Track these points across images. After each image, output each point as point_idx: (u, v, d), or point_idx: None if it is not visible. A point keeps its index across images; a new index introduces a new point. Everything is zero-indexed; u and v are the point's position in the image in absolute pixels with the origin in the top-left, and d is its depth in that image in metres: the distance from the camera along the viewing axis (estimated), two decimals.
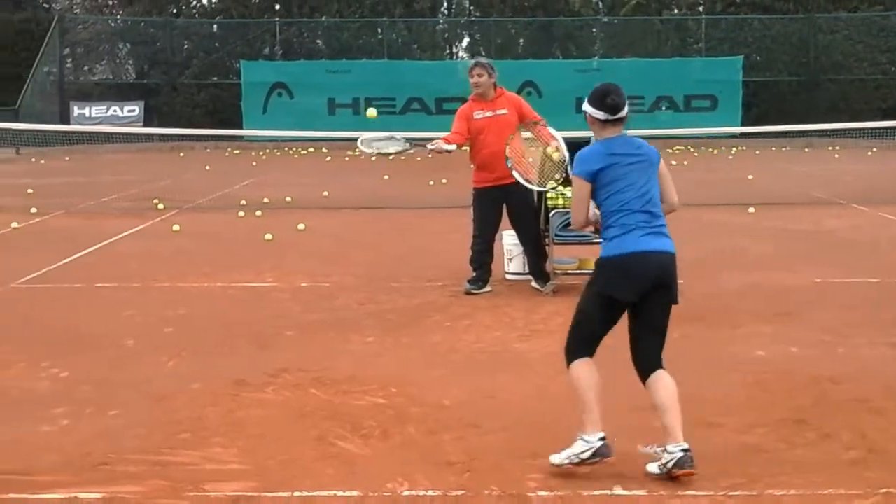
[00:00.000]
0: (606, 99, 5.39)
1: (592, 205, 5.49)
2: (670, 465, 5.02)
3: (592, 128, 5.51)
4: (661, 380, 5.29)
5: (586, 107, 5.47)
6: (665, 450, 5.09)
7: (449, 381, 6.89)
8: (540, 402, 6.45)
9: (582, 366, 5.36)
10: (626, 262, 5.28)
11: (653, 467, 5.12)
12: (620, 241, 5.30)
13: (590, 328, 5.44)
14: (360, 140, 9.93)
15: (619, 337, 8.09)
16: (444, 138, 9.89)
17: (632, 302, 5.32)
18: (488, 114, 9.82)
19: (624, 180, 5.34)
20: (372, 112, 13.89)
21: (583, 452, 5.14)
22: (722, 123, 34.52)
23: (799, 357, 7.48)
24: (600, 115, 5.40)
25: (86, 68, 43.18)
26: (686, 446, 5.05)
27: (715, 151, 32.78)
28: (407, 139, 9.77)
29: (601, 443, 5.16)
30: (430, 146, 9.91)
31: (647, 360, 5.38)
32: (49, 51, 38.95)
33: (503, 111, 9.85)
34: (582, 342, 5.44)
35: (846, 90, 39.08)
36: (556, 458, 5.18)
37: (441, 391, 6.63)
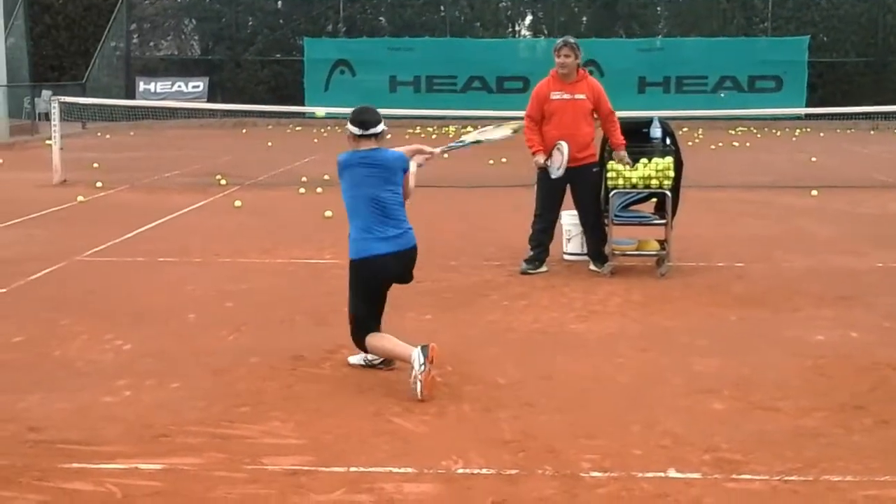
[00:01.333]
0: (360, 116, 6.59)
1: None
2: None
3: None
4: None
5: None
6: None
7: (505, 360, 6.91)
8: (595, 383, 6.45)
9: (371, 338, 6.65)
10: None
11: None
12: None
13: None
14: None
15: (676, 319, 8.09)
16: (533, 151, 9.76)
17: None
18: (566, 96, 9.74)
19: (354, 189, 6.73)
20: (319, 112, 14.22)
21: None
22: (786, 104, 34.03)
23: (859, 342, 7.40)
24: (356, 130, 6.65)
25: (151, 44, 43.58)
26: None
27: (778, 133, 32.37)
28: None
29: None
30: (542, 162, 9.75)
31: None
32: (116, 26, 39.40)
33: (581, 96, 9.76)
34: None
35: None
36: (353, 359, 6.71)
37: (497, 370, 6.66)
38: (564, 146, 9.40)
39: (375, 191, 6.49)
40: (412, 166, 6.80)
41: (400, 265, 6.62)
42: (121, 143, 28.43)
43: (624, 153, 9.65)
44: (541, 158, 9.65)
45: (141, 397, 6.17)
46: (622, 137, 9.73)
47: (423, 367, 6.02)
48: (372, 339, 6.42)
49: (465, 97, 36.84)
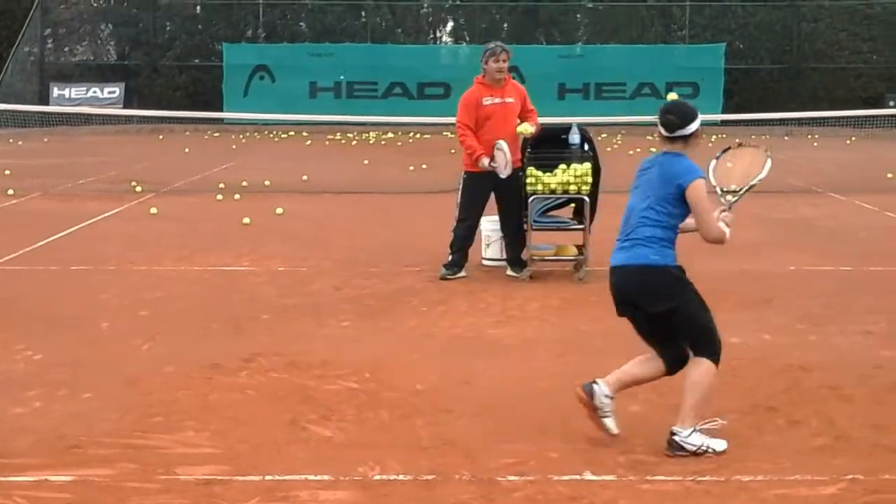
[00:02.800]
0: (662, 116, 5.64)
1: None
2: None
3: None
4: (688, 367, 5.48)
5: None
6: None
7: (423, 367, 6.90)
8: (513, 388, 6.48)
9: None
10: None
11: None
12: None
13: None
14: None
15: (594, 323, 8.13)
16: (476, 155, 9.69)
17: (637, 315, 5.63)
18: (497, 100, 9.77)
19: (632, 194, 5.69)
20: None
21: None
22: (703, 111, 34.17)
23: (772, 344, 7.53)
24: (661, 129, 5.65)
25: (66, 49, 42.83)
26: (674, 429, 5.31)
27: (728, 145, 32.81)
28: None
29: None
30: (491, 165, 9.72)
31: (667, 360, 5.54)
32: (30, 31, 38.65)
33: (510, 99, 9.83)
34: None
35: (827, 79, 39.14)
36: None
37: (415, 376, 6.65)
38: (504, 144, 9.49)
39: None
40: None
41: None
42: (34, 149, 27.89)
43: (528, 125, 9.74)
44: (486, 160, 9.66)
45: (52, 408, 6.05)
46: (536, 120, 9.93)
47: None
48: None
49: (386, 103, 36.83)
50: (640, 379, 5.59)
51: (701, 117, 5.67)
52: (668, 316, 5.45)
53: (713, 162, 5.96)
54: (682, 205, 5.51)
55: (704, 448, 5.26)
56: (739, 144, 6.19)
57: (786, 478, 4.96)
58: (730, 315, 8.45)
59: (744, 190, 5.90)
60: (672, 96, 12.37)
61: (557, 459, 5.21)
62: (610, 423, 5.43)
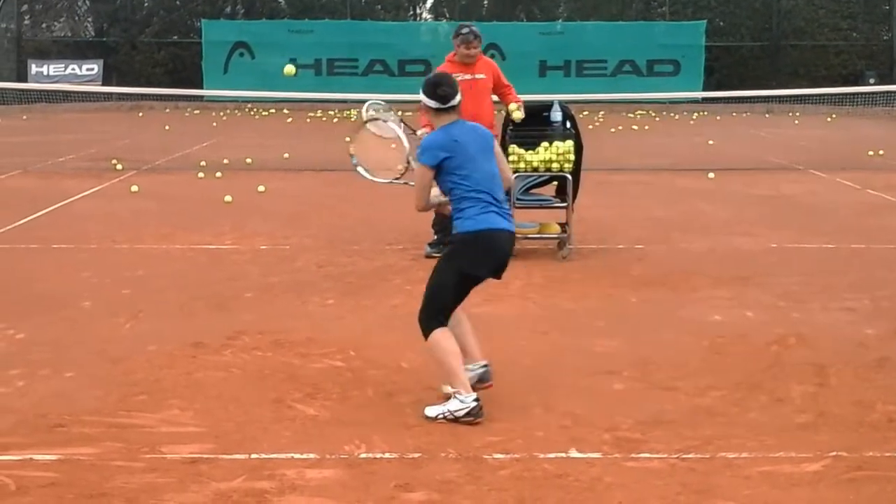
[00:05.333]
0: (437, 90, 5.71)
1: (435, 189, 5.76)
2: (474, 380, 5.58)
3: (427, 116, 5.94)
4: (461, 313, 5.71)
5: (421, 95, 5.78)
6: (467, 368, 5.55)
7: (408, 345, 6.87)
8: (497, 366, 6.44)
9: (440, 334, 5.57)
10: (491, 238, 5.57)
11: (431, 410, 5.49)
12: (485, 218, 5.55)
13: (444, 300, 5.65)
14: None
15: (577, 301, 8.16)
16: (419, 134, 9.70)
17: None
18: (467, 77, 9.72)
19: (471, 164, 5.59)
20: (290, 69, 13.78)
21: (458, 410, 5.39)
22: (684, 88, 34.62)
23: (754, 321, 7.55)
24: (432, 104, 5.71)
25: (44, 25, 42.49)
26: (486, 363, 5.64)
27: (676, 116, 32.92)
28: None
29: (475, 403, 5.41)
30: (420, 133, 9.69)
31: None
32: (6, 7, 38.38)
33: (481, 76, 9.81)
34: (438, 313, 5.63)
35: (807, 56, 39.24)
36: (430, 411, 5.46)
37: (399, 354, 6.65)
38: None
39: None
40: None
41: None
42: (12, 127, 27.69)
43: (517, 106, 9.75)
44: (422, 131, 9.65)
45: (35, 387, 6.02)
46: (515, 94, 9.91)
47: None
48: (438, 337, 5.58)
49: (367, 80, 36.70)
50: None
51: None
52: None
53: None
54: None
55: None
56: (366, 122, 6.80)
57: (770, 455, 4.99)
58: (712, 292, 8.49)
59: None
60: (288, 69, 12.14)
61: (543, 437, 5.22)
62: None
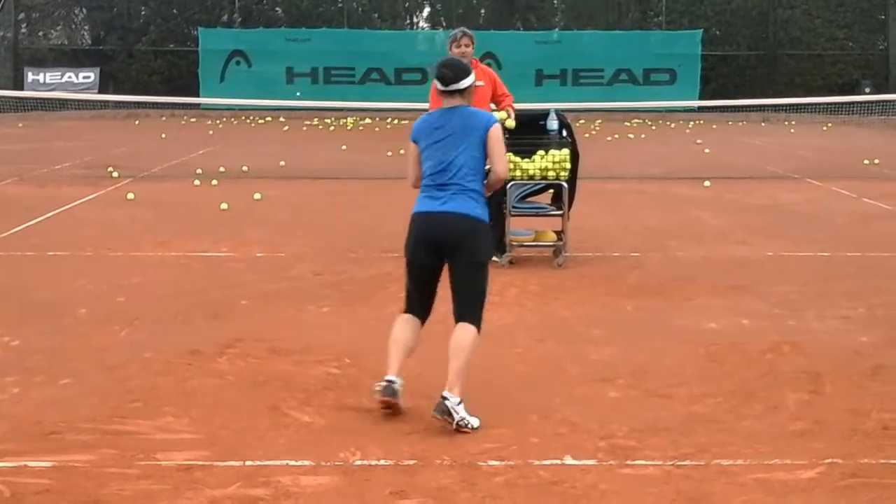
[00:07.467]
0: (440, 70, 5.83)
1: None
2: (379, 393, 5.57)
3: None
4: (456, 331, 5.61)
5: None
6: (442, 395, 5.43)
7: None
8: (493, 373, 6.47)
9: (397, 319, 5.81)
10: (413, 222, 5.82)
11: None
12: (416, 206, 5.82)
13: (407, 288, 5.91)
14: None
15: (573, 309, 8.16)
16: None
17: (435, 263, 5.74)
18: None
19: (428, 151, 5.77)
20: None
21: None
22: (680, 97, 34.68)
23: (750, 329, 7.56)
24: (437, 83, 5.82)
25: (41, 34, 42.52)
26: (445, 395, 5.39)
27: (672, 125, 32.98)
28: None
29: (385, 383, 5.52)
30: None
31: (455, 312, 5.69)
32: (3, 15, 38.35)
33: (479, 83, 9.79)
34: (406, 300, 5.89)
35: (803, 65, 39.32)
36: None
37: None
38: None
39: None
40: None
41: None
42: (9, 134, 27.68)
43: (508, 114, 9.76)
44: None
45: (30, 394, 6.02)
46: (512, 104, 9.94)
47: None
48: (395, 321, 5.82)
49: (364, 89, 36.74)
50: (413, 347, 5.79)
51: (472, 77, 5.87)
52: (471, 270, 5.65)
53: None
54: (483, 150, 5.75)
55: (465, 423, 5.36)
56: None
57: (765, 462, 4.99)
58: (708, 300, 8.50)
59: None
60: None
61: (538, 444, 5.22)
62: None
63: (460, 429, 5.33)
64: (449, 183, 5.68)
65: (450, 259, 5.68)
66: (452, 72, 5.80)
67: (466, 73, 5.81)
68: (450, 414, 5.34)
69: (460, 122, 5.75)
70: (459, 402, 5.39)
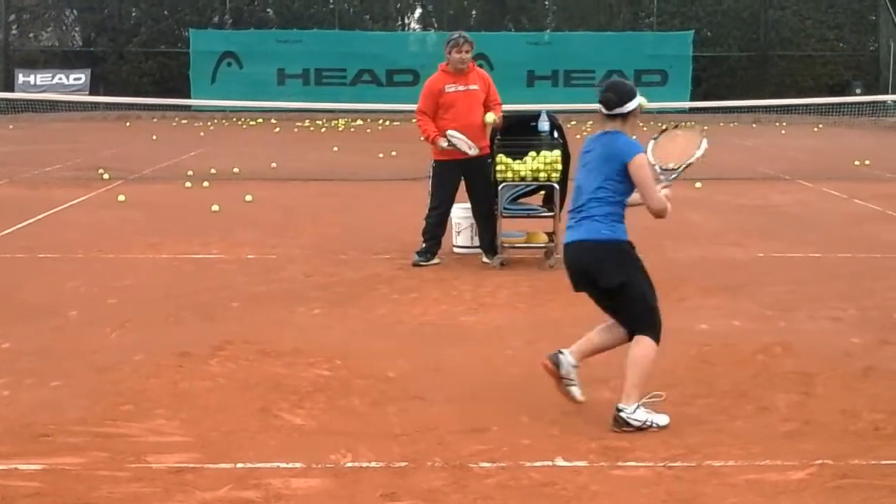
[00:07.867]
0: (606, 94, 5.65)
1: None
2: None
3: None
4: (630, 345, 5.59)
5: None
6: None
7: (394, 354, 6.89)
8: (485, 375, 6.48)
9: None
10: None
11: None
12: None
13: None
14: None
15: (564, 311, 8.16)
16: (431, 138, 9.76)
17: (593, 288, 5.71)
18: (461, 88, 9.76)
19: (577, 174, 5.77)
20: None
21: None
22: (671, 98, 34.71)
23: (741, 330, 7.57)
24: (602, 108, 5.68)
25: (31, 35, 42.46)
26: (618, 406, 5.44)
27: (664, 126, 32.90)
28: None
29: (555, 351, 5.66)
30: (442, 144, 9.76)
31: (626, 329, 5.66)
32: None
33: (475, 87, 9.82)
34: None
35: (794, 67, 39.42)
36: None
37: (386, 363, 6.64)
38: (454, 133, 9.54)
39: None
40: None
41: None
42: None
43: (493, 118, 9.76)
44: (443, 142, 9.65)
45: (20, 396, 6.00)
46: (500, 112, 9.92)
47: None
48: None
49: (355, 90, 36.74)
50: (603, 347, 5.77)
51: (639, 98, 5.69)
52: (616, 292, 5.58)
53: (651, 143, 6.04)
54: (626, 180, 5.60)
55: (649, 423, 5.39)
56: (675, 126, 6.29)
57: (756, 463, 4.99)
58: (699, 301, 8.50)
59: (682, 167, 5.96)
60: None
61: (529, 446, 5.22)
62: (576, 391, 5.64)
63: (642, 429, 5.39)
64: (579, 208, 5.68)
65: (594, 288, 5.70)
66: (616, 95, 5.62)
67: (630, 97, 5.62)
68: (627, 424, 5.37)
69: (602, 149, 5.65)
70: (635, 410, 5.40)
